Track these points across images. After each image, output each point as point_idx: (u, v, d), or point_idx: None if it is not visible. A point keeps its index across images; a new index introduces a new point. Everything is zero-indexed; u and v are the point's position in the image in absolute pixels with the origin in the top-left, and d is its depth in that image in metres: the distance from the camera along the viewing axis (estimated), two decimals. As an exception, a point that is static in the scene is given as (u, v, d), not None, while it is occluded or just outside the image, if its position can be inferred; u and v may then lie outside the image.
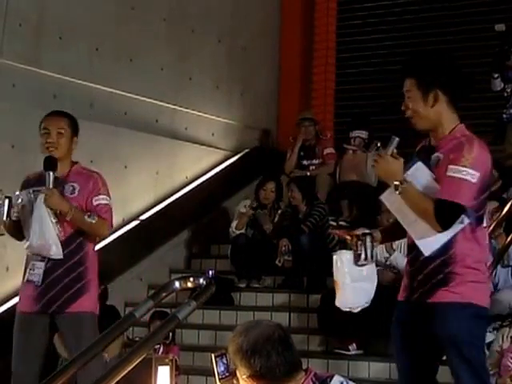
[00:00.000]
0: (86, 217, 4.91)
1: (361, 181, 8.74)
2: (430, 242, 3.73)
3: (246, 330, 3.00)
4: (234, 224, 8.39)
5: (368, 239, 3.95)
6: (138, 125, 8.37)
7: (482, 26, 9.38)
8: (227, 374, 3.74)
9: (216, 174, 9.38)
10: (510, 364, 5.64)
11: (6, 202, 4.90)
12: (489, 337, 6.27)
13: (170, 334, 6.43)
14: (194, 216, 8.99)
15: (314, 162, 9.27)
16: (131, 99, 8.39)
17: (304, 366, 3.06)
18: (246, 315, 7.43)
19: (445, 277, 3.71)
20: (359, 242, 3.96)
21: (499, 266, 6.59)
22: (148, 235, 8.35)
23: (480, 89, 9.18)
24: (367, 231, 4.00)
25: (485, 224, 3.82)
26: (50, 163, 4.92)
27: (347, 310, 4.18)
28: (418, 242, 3.76)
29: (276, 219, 8.32)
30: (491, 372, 5.71)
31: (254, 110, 10.07)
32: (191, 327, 7.54)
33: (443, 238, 3.70)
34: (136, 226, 8.31)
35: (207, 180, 9.25)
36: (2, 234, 5.01)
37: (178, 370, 5.79)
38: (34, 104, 7.31)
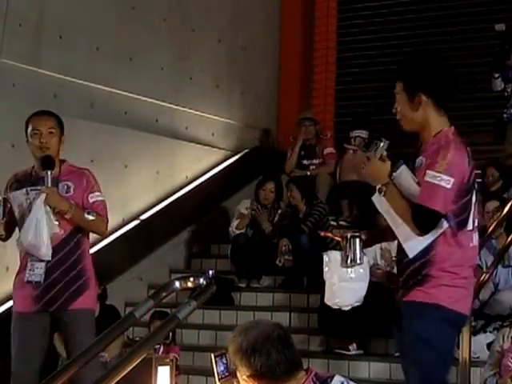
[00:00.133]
0: (86, 214, 4.94)
1: (361, 180, 8.73)
2: (414, 245, 3.77)
3: (245, 330, 3.01)
4: (234, 224, 8.38)
5: (356, 241, 4.01)
6: (138, 124, 8.37)
7: (482, 26, 9.38)
8: (227, 374, 3.73)
9: (216, 174, 9.37)
10: (510, 364, 5.62)
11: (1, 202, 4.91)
12: (489, 337, 6.27)
13: (170, 334, 6.43)
14: (195, 216, 8.99)
15: (315, 161, 9.27)
16: (131, 99, 8.38)
17: (304, 366, 3.06)
18: (246, 315, 7.43)
19: (422, 278, 3.76)
20: (348, 244, 4.02)
21: (500, 266, 6.59)
22: (148, 235, 8.35)
23: (480, 88, 9.29)
24: (356, 233, 4.05)
25: (470, 227, 3.82)
26: (48, 162, 4.93)
27: (336, 307, 4.22)
28: (403, 244, 3.81)
29: (276, 219, 8.32)
30: (491, 372, 5.71)
31: (254, 110, 10.07)
32: (191, 327, 7.54)
33: (425, 241, 3.75)
34: (136, 225, 8.30)
35: (207, 180, 9.25)
36: (2, 235, 4.99)
37: (178, 370, 5.79)
38: (34, 104, 7.29)
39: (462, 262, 3.78)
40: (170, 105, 8.89)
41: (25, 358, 4.93)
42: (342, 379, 3.03)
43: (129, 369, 3.17)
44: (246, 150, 9.92)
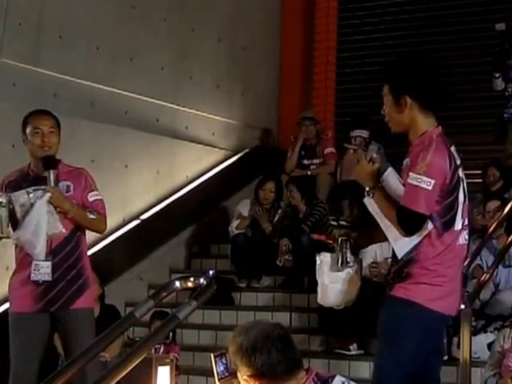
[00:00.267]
0: (87, 213, 4.96)
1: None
2: (402, 245, 3.83)
3: (245, 330, 3.01)
4: (234, 224, 8.38)
5: (344, 245, 4.08)
6: (138, 124, 8.36)
7: (480, 26, 9.40)
8: (227, 374, 3.73)
9: (216, 174, 9.37)
10: (511, 364, 5.62)
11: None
12: (490, 337, 6.27)
13: (171, 334, 6.43)
14: (195, 215, 8.98)
15: (315, 161, 9.26)
16: (131, 98, 8.38)
17: (305, 366, 3.06)
18: (246, 315, 7.42)
19: (404, 276, 3.82)
20: (339, 247, 4.10)
21: (500, 267, 6.58)
22: (148, 235, 8.34)
23: (480, 88, 9.28)
24: (344, 237, 4.13)
25: (458, 227, 3.84)
26: (50, 162, 4.92)
27: (329, 306, 4.28)
28: (393, 245, 3.87)
29: (276, 219, 8.31)
30: (492, 372, 5.70)
31: (254, 110, 10.06)
32: (191, 327, 7.54)
33: (412, 242, 3.80)
34: (136, 225, 8.30)
35: (207, 180, 9.24)
36: (8, 237, 4.96)
37: (178, 370, 5.79)
38: (35, 103, 7.26)
39: (443, 261, 3.81)
40: (170, 104, 8.88)
41: (25, 359, 4.93)
42: (343, 379, 3.04)
43: (129, 369, 3.16)
44: (247, 150, 9.91)
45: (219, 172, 9.42)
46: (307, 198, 8.18)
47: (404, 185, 3.82)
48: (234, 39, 9.87)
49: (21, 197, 4.90)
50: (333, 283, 4.05)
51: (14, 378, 4.93)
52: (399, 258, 3.84)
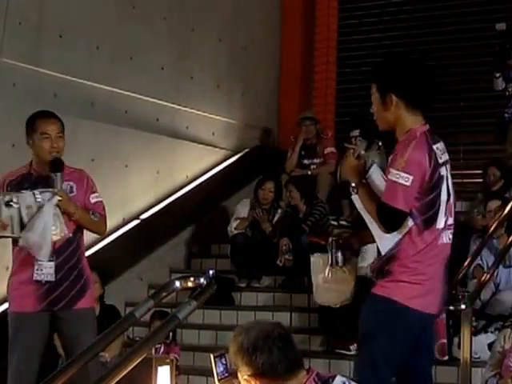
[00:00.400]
0: (91, 215, 4.99)
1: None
2: (386, 242, 3.87)
3: (245, 330, 3.01)
4: (233, 224, 8.38)
5: (335, 245, 4.12)
6: (138, 124, 8.36)
7: (478, 26, 9.40)
8: (226, 375, 3.73)
9: (216, 174, 9.36)
10: (511, 364, 5.61)
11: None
12: (490, 337, 6.26)
13: (171, 334, 6.42)
14: (195, 215, 8.98)
15: (315, 161, 9.25)
16: (132, 98, 8.37)
17: (305, 366, 3.05)
18: (246, 315, 7.42)
19: (385, 273, 3.85)
20: (330, 248, 4.14)
21: (501, 267, 6.58)
22: (148, 235, 8.34)
23: (479, 88, 9.28)
24: (335, 237, 4.17)
25: (440, 225, 3.85)
26: (58, 165, 4.93)
27: (325, 305, 4.31)
28: (377, 241, 3.91)
29: (275, 219, 8.31)
30: (492, 373, 5.69)
31: (254, 109, 10.06)
32: (192, 327, 7.53)
33: (394, 238, 3.83)
34: (136, 225, 8.30)
35: (208, 179, 9.24)
36: (19, 237, 4.94)
37: (178, 370, 5.79)
38: (35, 103, 7.27)
39: (424, 259, 3.82)
40: (170, 104, 8.88)
41: (27, 358, 4.93)
42: (344, 379, 3.03)
43: (129, 369, 3.15)
44: (247, 150, 9.91)
45: (219, 172, 9.42)
46: (307, 198, 8.17)
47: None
48: (235, 39, 9.86)
49: (27, 198, 4.88)
50: (325, 283, 4.11)
51: (15, 377, 4.92)
52: (382, 254, 3.88)
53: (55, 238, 4.87)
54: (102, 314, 6.40)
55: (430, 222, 3.82)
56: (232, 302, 7.94)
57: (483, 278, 5.81)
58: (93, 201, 5.04)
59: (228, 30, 9.77)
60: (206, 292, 3.47)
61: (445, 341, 6.41)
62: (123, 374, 3.13)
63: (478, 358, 6.11)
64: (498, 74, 8.23)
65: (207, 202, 9.09)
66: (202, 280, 3.59)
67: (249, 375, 2.96)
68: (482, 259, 6.72)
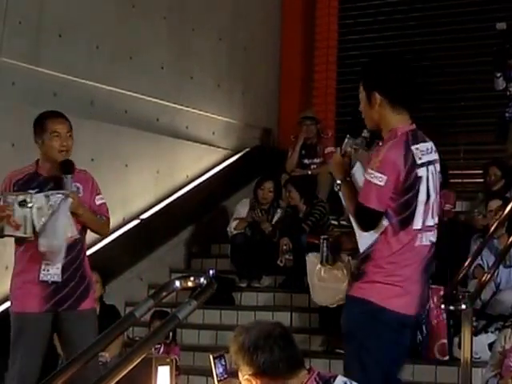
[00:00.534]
0: (98, 217, 5.03)
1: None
2: (364, 240, 3.88)
3: (246, 329, 3.01)
4: (232, 224, 8.37)
5: (324, 244, 4.16)
6: (138, 123, 8.35)
7: (477, 26, 9.38)
8: (226, 376, 3.72)
9: (217, 173, 9.35)
10: (512, 364, 5.61)
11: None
12: (491, 337, 6.25)
13: (171, 334, 6.42)
14: (195, 215, 8.97)
15: (316, 160, 9.25)
16: (131, 98, 8.36)
17: (306, 366, 3.04)
18: (246, 315, 7.41)
19: (360, 273, 3.88)
20: (320, 247, 4.18)
21: (501, 267, 6.57)
22: (148, 234, 8.33)
23: (481, 88, 9.27)
24: (325, 236, 4.22)
25: (417, 226, 3.84)
26: (69, 166, 4.93)
27: (323, 305, 4.33)
28: (357, 239, 3.91)
29: (275, 219, 8.30)
30: (493, 373, 5.68)
31: (254, 109, 10.05)
32: (192, 327, 7.52)
33: (371, 237, 3.85)
34: (136, 225, 8.29)
35: (208, 179, 9.23)
36: (30, 237, 4.93)
37: (178, 370, 5.78)
38: (34, 102, 7.28)
39: (399, 260, 3.82)
40: (170, 104, 8.87)
41: (30, 359, 4.92)
42: (345, 379, 3.03)
43: (129, 369, 3.14)
44: (247, 150, 9.90)
45: (219, 171, 9.41)
46: (306, 198, 8.17)
47: None
48: (235, 39, 9.85)
49: (39, 199, 4.87)
50: (320, 281, 4.17)
51: (20, 378, 4.89)
52: (361, 251, 3.89)
53: (68, 237, 4.90)
54: (101, 314, 6.39)
55: (405, 222, 3.82)
56: (232, 302, 7.93)
57: (484, 277, 5.80)
58: (98, 203, 5.06)
59: (228, 30, 9.76)
60: (206, 292, 3.45)
61: (445, 341, 6.40)
62: (123, 374, 3.13)
63: (479, 358, 6.11)
64: (498, 74, 8.22)
65: (207, 202, 9.08)
66: (202, 280, 3.58)
67: (250, 374, 2.95)
68: (482, 259, 6.72)
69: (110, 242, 7.74)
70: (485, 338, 6.31)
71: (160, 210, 8.57)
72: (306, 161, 9.25)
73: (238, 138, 9.84)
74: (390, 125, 3.90)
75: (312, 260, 4.34)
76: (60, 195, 4.85)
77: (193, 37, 9.23)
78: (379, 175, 3.76)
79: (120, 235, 8.00)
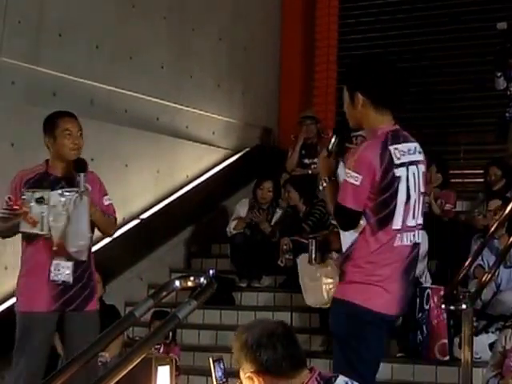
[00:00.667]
0: (107, 216, 5.06)
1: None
2: (346, 240, 3.92)
3: (250, 327, 3.01)
4: (231, 225, 8.36)
5: (312, 243, 4.19)
6: (138, 123, 8.34)
7: (479, 25, 9.38)
8: (224, 380, 3.72)
9: (217, 173, 9.35)
10: (512, 364, 5.60)
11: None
12: (491, 337, 6.25)
13: (171, 334, 6.40)
14: (195, 215, 8.96)
15: (316, 160, 9.22)
16: (131, 97, 8.36)
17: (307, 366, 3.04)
18: (246, 315, 7.40)
19: (341, 274, 3.90)
20: (308, 246, 4.21)
21: (502, 267, 6.56)
22: (148, 234, 8.33)
23: (481, 87, 9.26)
24: (314, 236, 4.24)
25: (397, 226, 3.84)
26: (82, 165, 4.95)
27: (317, 307, 4.35)
28: (341, 239, 3.96)
29: (274, 219, 8.30)
30: (493, 373, 5.67)
31: (254, 109, 10.04)
32: (192, 327, 7.52)
33: (351, 236, 3.88)
34: (136, 225, 8.28)
35: (208, 179, 9.22)
36: (46, 235, 4.92)
37: (178, 371, 5.77)
38: (34, 102, 7.28)
39: (378, 260, 3.83)
40: (170, 103, 8.86)
41: (37, 359, 4.92)
42: (346, 379, 3.03)
43: (129, 368, 3.14)
44: (247, 149, 9.89)
45: (220, 171, 9.40)
46: (306, 198, 8.16)
47: None
48: (235, 38, 9.84)
49: (53, 197, 4.87)
50: (311, 281, 4.20)
51: (29, 377, 4.86)
52: (343, 251, 3.93)
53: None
54: (102, 314, 6.37)
55: (384, 222, 3.82)
56: (232, 302, 7.92)
57: (484, 278, 5.79)
58: (106, 203, 5.10)
59: (228, 30, 9.75)
60: (206, 292, 3.45)
61: (446, 341, 6.40)
62: (123, 374, 3.12)
63: (479, 358, 6.10)
64: (499, 74, 8.21)
65: (207, 202, 9.07)
66: (202, 280, 3.57)
67: (252, 372, 2.94)
68: (482, 259, 6.71)
69: (109, 242, 7.72)
70: (485, 338, 6.30)
71: (160, 210, 8.56)
72: (307, 160, 9.24)
73: (238, 137, 9.83)
74: (372, 125, 3.95)
75: (303, 260, 4.37)
76: (73, 193, 4.86)
77: (193, 37, 9.23)
78: (355, 175, 3.79)
79: (120, 235, 7.98)
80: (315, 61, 10.53)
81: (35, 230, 4.85)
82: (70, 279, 4.92)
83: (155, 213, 8.51)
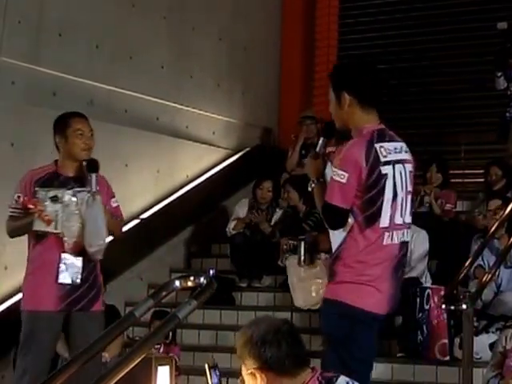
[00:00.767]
0: (115, 218, 5.10)
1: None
2: (335, 239, 3.94)
3: (255, 323, 3.02)
4: (231, 225, 8.35)
5: (301, 245, 4.22)
6: (138, 123, 8.34)
7: (479, 25, 9.38)
8: (220, 387, 3.72)
9: (217, 173, 9.34)
10: (513, 364, 5.59)
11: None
12: (492, 337, 6.24)
13: (171, 334, 6.40)
14: (195, 215, 8.96)
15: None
16: (131, 97, 8.35)
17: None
18: (247, 315, 7.39)
19: (332, 274, 3.93)
20: (297, 248, 4.23)
21: (502, 267, 6.55)
22: (148, 234, 8.32)
23: (481, 87, 9.26)
24: (303, 237, 4.27)
25: (384, 224, 3.86)
26: (94, 165, 5.00)
27: (307, 308, 4.36)
28: (331, 239, 3.96)
29: (274, 219, 8.29)
30: (494, 373, 5.67)
31: (255, 108, 10.04)
32: (192, 327, 7.51)
33: (340, 235, 3.90)
34: (136, 224, 8.27)
35: (208, 179, 9.22)
36: (60, 234, 4.92)
37: (178, 371, 5.77)
38: (34, 102, 7.28)
39: (367, 259, 3.85)
40: (170, 103, 8.86)
41: (45, 359, 4.92)
42: (347, 379, 3.03)
43: (129, 368, 3.13)
44: (247, 149, 9.89)
45: (220, 171, 9.40)
46: (306, 198, 8.15)
47: None
48: (235, 38, 9.84)
49: (67, 196, 4.87)
50: (300, 282, 4.21)
51: (33, 378, 4.84)
52: (333, 251, 3.93)
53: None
54: (101, 314, 6.38)
55: (371, 220, 3.85)
56: (232, 302, 7.92)
57: (484, 277, 5.79)
58: (114, 205, 5.14)
59: (228, 30, 9.74)
60: (206, 291, 3.44)
61: (446, 341, 6.39)
62: (123, 374, 3.12)
63: (480, 358, 6.09)
64: (499, 74, 8.20)
65: (207, 202, 9.07)
66: (202, 279, 3.57)
67: (255, 368, 2.94)
68: (483, 259, 6.70)
69: (109, 242, 7.71)
70: (486, 338, 6.29)
71: (160, 210, 8.56)
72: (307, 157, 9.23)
73: (238, 137, 9.83)
74: (358, 124, 3.99)
75: (292, 262, 4.41)
76: (85, 193, 4.88)
77: (193, 37, 9.22)
78: (341, 172, 3.83)
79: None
80: (315, 61, 10.53)
81: (49, 229, 4.86)
82: (78, 279, 4.93)
83: (155, 213, 8.50)
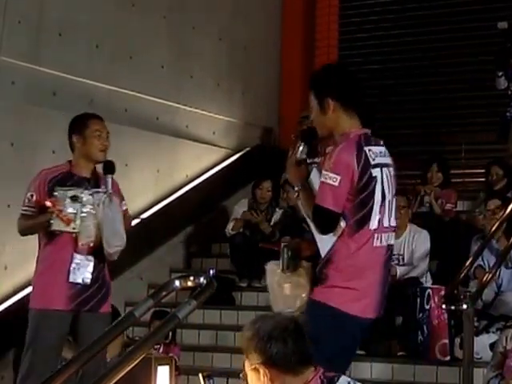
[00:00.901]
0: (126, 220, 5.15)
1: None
2: (324, 244, 3.90)
3: (262, 318, 3.01)
4: (229, 226, 8.34)
5: (285, 250, 4.20)
6: (138, 123, 8.34)
7: (482, 24, 9.37)
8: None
9: (217, 173, 9.34)
10: (513, 365, 5.58)
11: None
12: (492, 337, 6.23)
13: (170, 334, 6.40)
14: (195, 215, 8.95)
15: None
16: (131, 97, 8.35)
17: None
18: (247, 315, 7.38)
19: (322, 277, 3.90)
20: (280, 253, 4.22)
21: (503, 268, 6.54)
22: (148, 234, 8.31)
23: (483, 87, 9.26)
24: (286, 243, 4.25)
25: (374, 226, 3.85)
26: (111, 167, 5.02)
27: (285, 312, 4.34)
28: (318, 244, 3.94)
29: (273, 219, 8.29)
30: (494, 373, 5.66)
31: (255, 108, 10.03)
32: (192, 327, 7.51)
33: (330, 239, 3.87)
34: (136, 224, 8.25)
35: (208, 178, 9.21)
36: (77, 233, 4.91)
37: (178, 371, 5.76)
38: (34, 102, 7.28)
39: (357, 262, 3.84)
40: (170, 103, 8.85)
41: (53, 358, 4.91)
42: (348, 379, 3.03)
43: (129, 368, 3.13)
44: (247, 149, 9.88)
45: (220, 171, 9.39)
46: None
47: None
48: (235, 38, 9.83)
49: (86, 196, 4.90)
50: (280, 290, 4.21)
51: (38, 377, 4.83)
52: (322, 256, 3.90)
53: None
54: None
55: (362, 222, 3.84)
56: (233, 302, 7.91)
57: (485, 278, 5.78)
58: (123, 208, 5.22)
59: (228, 29, 9.74)
60: (206, 291, 3.44)
61: (446, 341, 6.39)
62: (123, 374, 3.11)
63: (480, 358, 6.09)
64: (500, 73, 8.20)
65: (208, 202, 9.06)
66: (201, 279, 3.57)
67: (259, 363, 2.93)
68: (483, 259, 6.70)
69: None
70: (486, 338, 6.29)
71: (160, 210, 8.55)
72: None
73: (238, 137, 9.82)
74: (343, 129, 3.98)
75: (272, 268, 4.37)
76: (101, 194, 4.90)
77: (193, 37, 9.22)
78: (333, 176, 3.82)
79: (120, 235, 7.97)
80: (315, 61, 10.52)
81: (68, 229, 4.85)
82: (89, 279, 4.93)
83: (155, 213, 8.50)
